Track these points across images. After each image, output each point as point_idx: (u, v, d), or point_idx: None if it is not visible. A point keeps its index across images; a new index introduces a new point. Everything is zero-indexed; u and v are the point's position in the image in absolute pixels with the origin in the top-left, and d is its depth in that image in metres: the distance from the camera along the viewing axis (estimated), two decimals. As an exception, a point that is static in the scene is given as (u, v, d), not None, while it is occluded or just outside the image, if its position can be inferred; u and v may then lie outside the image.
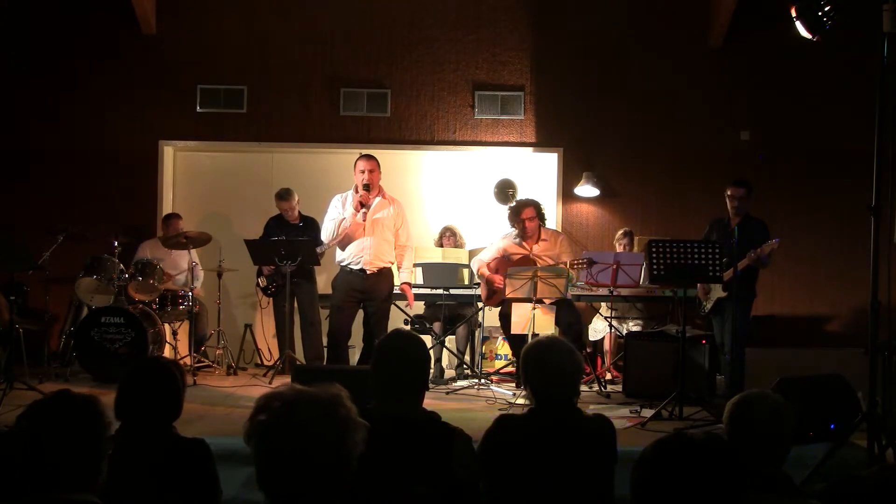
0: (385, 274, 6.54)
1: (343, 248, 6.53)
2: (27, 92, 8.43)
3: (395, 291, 6.77)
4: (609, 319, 7.34)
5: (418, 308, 7.78)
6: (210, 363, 7.51)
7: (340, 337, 6.52)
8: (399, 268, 6.76)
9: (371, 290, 6.47)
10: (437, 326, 7.40)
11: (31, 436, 2.06)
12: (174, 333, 7.44)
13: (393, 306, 7.07)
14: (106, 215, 8.14)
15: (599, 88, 8.47)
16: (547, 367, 2.98)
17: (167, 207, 8.39)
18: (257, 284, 7.79)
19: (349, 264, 6.49)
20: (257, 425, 1.84)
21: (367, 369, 2.92)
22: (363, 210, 6.38)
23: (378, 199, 6.51)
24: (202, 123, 8.49)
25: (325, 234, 6.59)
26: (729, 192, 6.28)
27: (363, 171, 6.42)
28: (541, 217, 6.86)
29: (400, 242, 6.67)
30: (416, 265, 7.14)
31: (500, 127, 8.52)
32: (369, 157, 6.55)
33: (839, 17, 4.71)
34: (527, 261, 6.75)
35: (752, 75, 8.37)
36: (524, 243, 6.87)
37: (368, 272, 6.44)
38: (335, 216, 6.50)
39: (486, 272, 6.85)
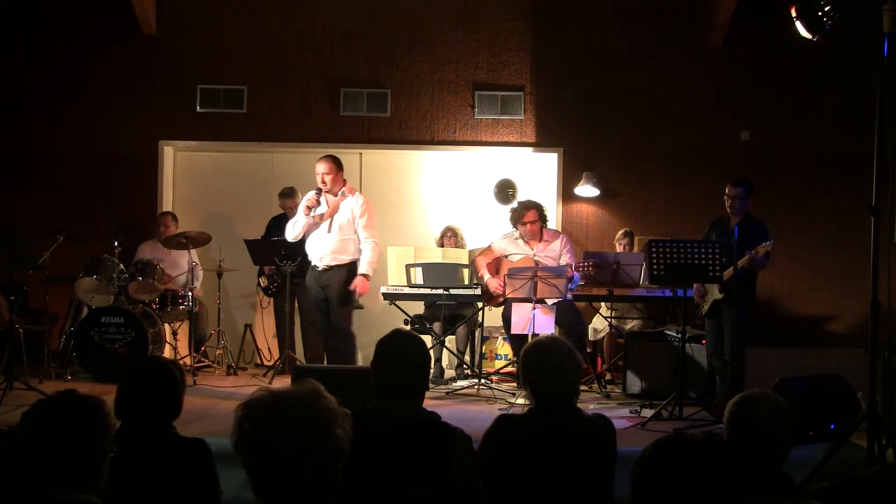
0: (343, 267, 6.47)
1: (307, 247, 6.56)
2: (27, 92, 8.42)
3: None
4: (609, 319, 7.34)
5: (418, 308, 7.78)
6: (210, 363, 7.51)
7: (329, 333, 6.56)
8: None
9: (327, 280, 6.47)
10: (437, 326, 7.40)
11: (35, 434, 2.06)
12: (174, 333, 7.43)
13: (393, 306, 7.08)
14: (106, 215, 8.13)
15: (599, 88, 8.46)
16: (547, 367, 2.98)
17: (167, 207, 8.37)
18: (258, 284, 7.79)
19: (312, 261, 6.54)
20: (246, 434, 1.81)
21: (368, 369, 2.92)
22: (311, 213, 6.41)
23: (338, 197, 6.49)
24: (202, 123, 8.48)
25: (287, 234, 6.62)
26: (727, 192, 6.29)
27: (318, 174, 6.46)
28: (543, 219, 6.86)
29: (362, 238, 6.50)
30: (416, 265, 7.14)
31: (500, 127, 8.51)
32: (325, 159, 6.51)
33: (839, 17, 4.71)
34: (529, 262, 6.75)
35: (752, 75, 8.36)
36: (526, 245, 6.87)
37: (326, 268, 6.46)
38: (297, 217, 6.57)
39: (486, 275, 6.82)
